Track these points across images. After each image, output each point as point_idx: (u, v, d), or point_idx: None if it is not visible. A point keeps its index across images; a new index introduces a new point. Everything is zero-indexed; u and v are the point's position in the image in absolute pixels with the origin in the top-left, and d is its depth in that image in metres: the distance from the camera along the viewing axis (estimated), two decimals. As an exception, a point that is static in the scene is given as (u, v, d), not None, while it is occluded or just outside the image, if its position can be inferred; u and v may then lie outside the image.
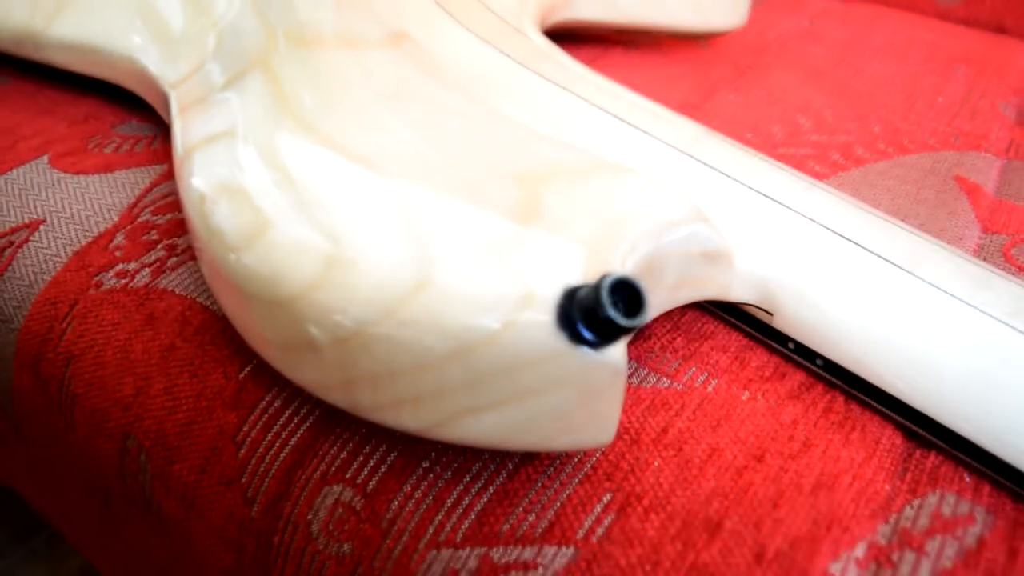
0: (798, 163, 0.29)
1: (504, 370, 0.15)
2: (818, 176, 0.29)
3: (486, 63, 0.27)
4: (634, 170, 0.19)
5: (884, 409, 0.20)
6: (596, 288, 0.15)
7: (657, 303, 0.19)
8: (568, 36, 0.38)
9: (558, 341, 0.15)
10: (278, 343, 0.17)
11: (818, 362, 0.21)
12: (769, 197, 0.22)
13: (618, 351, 0.16)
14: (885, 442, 0.19)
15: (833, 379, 0.21)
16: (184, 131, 0.22)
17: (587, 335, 0.15)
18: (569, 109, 0.25)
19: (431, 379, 0.16)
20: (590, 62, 0.36)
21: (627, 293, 0.15)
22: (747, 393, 0.20)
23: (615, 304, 0.15)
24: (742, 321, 0.22)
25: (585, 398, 0.16)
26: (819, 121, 0.32)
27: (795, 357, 0.21)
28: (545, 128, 0.24)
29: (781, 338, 0.21)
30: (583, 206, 0.18)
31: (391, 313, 0.15)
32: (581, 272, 0.16)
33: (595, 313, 0.15)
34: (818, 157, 0.30)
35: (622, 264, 0.17)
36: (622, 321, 0.14)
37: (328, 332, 0.16)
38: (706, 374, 0.20)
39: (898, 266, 0.20)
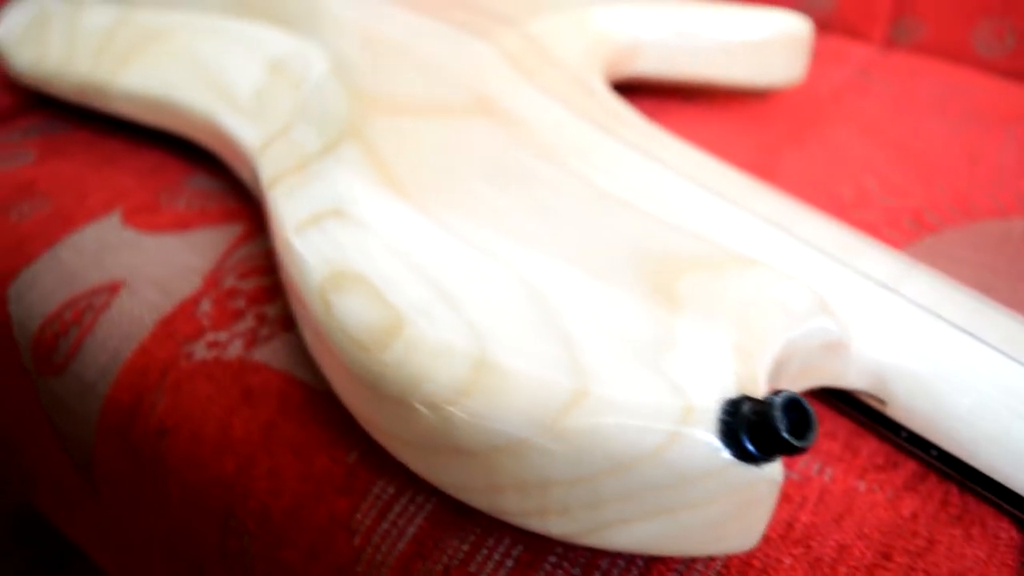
0: (873, 230, 0.29)
1: (663, 485, 0.15)
2: (894, 244, 0.29)
3: (569, 129, 0.27)
4: (762, 263, 0.19)
5: (999, 501, 0.20)
6: (768, 407, 0.14)
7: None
8: (623, 86, 0.38)
9: (721, 457, 0.15)
10: (415, 443, 0.17)
11: (932, 452, 0.21)
12: (877, 281, 0.22)
13: (776, 463, 0.15)
14: (1004, 536, 0.19)
15: (947, 470, 0.20)
16: (283, 206, 0.22)
17: (754, 452, 0.15)
18: (663, 182, 0.25)
19: (585, 491, 0.15)
20: (649, 115, 0.36)
21: (795, 410, 0.15)
22: (863, 484, 0.20)
23: (786, 424, 0.14)
24: (853, 408, 0.22)
25: (740, 510, 0.16)
26: (884, 183, 0.32)
27: (907, 446, 0.21)
28: (642, 202, 0.24)
29: (894, 427, 0.21)
30: (720, 303, 0.18)
31: (548, 425, 0.15)
32: (734, 378, 0.16)
33: (764, 431, 0.15)
34: (890, 223, 0.30)
35: (764, 363, 0.17)
36: (796, 442, 0.14)
37: (478, 441, 0.16)
38: (820, 463, 0.20)
39: (1011, 357, 0.20)
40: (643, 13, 0.34)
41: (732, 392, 0.16)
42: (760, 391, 0.16)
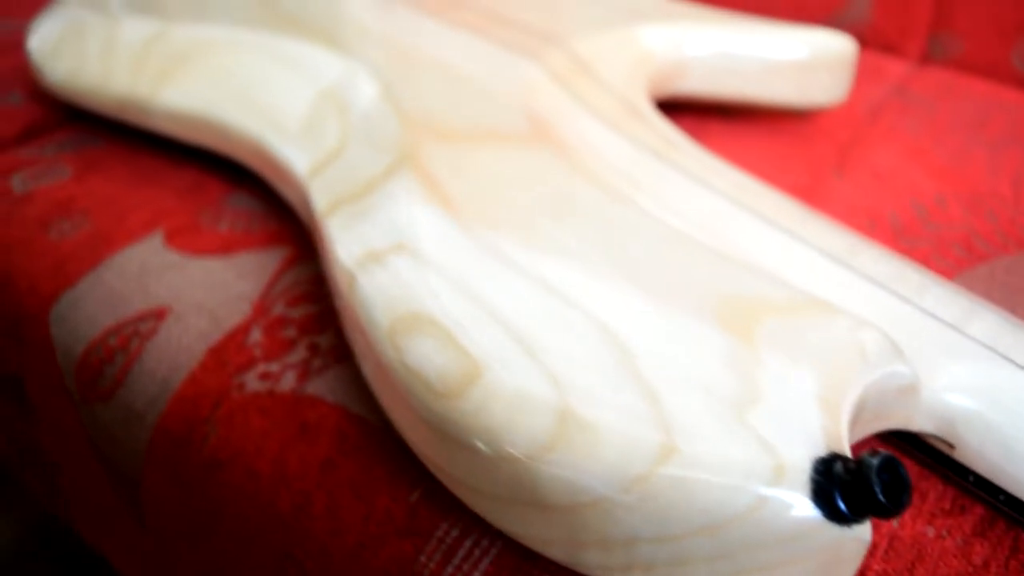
0: (924, 259, 0.29)
1: (752, 545, 0.15)
2: (945, 273, 0.28)
3: (625, 157, 0.26)
4: (838, 308, 0.19)
5: (1071, 549, 0.20)
6: (864, 469, 0.14)
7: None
8: (663, 104, 0.38)
9: (813, 517, 0.15)
10: (490, 494, 0.17)
11: (1000, 497, 0.20)
12: (943, 321, 0.21)
13: (866, 522, 0.15)
14: (1077, 586, 0.19)
15: (1015, 515, 0.20)
16: (343, 239, 0.21)
17: (846, 513, 0.14)
18: (722, 214, 0.25)
19: (671, 549, 0.15)
20: (690, 134, 0.36)
21: (890, 472, 0.14)
22: (932, 530, 0.20)
23: (882, 486, 0.14)
24: (919, 450, 0.21)
25: (825, 568, 0.15)
26: (931, 208, 0.32)
27: (974, 490, 0.21)
28: (703, 235, 0.24)
29: (961, 470, 0.21)
30: (800, 351, 0.17)
31: (637, 483, 0.15)
32: (821, 433, 0.16)
33: (859, 493, 0.14)
34: (940, 252, 0.29)
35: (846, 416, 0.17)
36: (892, 506, 0.14)
37: (561, 497, 0.15)
38: (888, 507, 0.20)
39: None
40: (689, 31, 0.34)
41: (821, 448, 0.15)
42: (845, 445, 0.16)
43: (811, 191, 0.32)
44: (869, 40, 0.47)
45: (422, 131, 0.25)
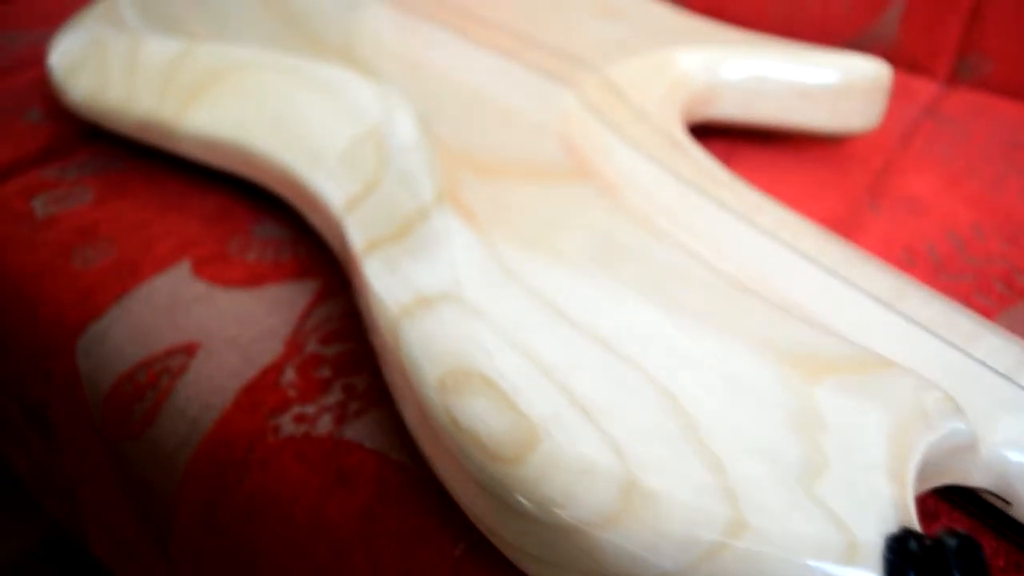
0: (966, 296, 0.28)
1: (825, 624, 0.14)
2: (987, 312, 0.28)
3: (668, 194, 0.26)
4: (900, 366, 0.18)
5: None
6: (942, 551, 0.14)
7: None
8: (693, 129, 0.37)
9: (888, 598, 0.14)
10: (546, 560, 0.16)
11: (1058, 556, 0.20)
12: (998, 373, 0.21)
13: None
14: None
15: (1074, 574, 0.20)
16: (385, 283, 0.21)
17: (924, 596, 0.14)
18: (767, 255, 0.24)
19: (739, 626, 0.14)
20: (721, 160, 0.35)
21: (968, 555, 0.14)
22: (989, 590, 0.19)
23: (960, 571, 0.14)
24: (973, 505, 0.21)
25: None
26: (969, 239, 0.31)
27: (1031, 547, 0.20)
28: (751, 279, 0.23)
29: (1017, 527, 0.20)
30: (863, 414, 0.17)
31: (703, 559, 0.14)
32: (891, 506, 0.15)
33: (935, 573, 0.14)
34: (983, 288, 0.29)
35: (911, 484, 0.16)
36: (974, 591, 0.13)
37: (625, 569, 0.15)
38: (943, 566, 0.19)
39: None
40: (725, 55, 0.33)
41: (892, 522, 0.15)
42: (914, 517, 0.15)
43: (847, 223, 0.32)
44: (895, 59, 0.47)
45: (461, 164, 0.24)
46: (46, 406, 0.28)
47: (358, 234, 0.23)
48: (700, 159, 0.28)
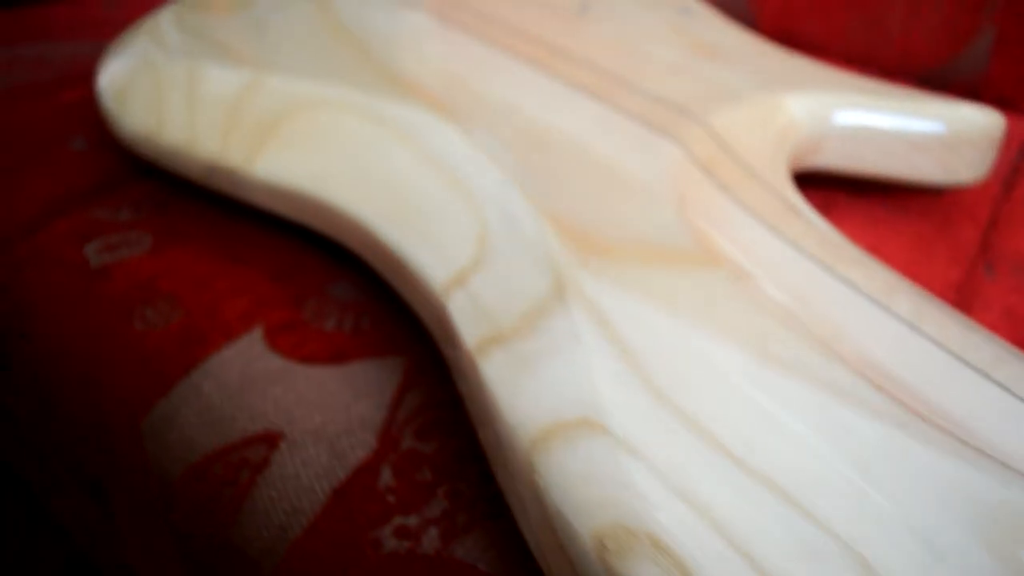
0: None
1: None
2: None
3: (796, 274, 0.23)
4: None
5: None
6: None
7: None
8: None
9: None
10: None
11: None
12: None
13: None
14: None
15: None
16: (504, 396, 0.18)
17: None
18: (908, 346, 0.22)
19: None
20: (816, 209, 0.33)
21: None
22: None
23: None
24: None
25: None
26: (1097, 313, 0.29)
27: None
28: (888, 379, 0.21)
29: None
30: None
31: None
32: None
33: None
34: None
35: None
36: None
37: None
38: None
39: None
40: (835, 102, 0.31)
41: None
42: None
43: (965, 290, 0.29)
44: (982, 93, 0.44)
45: (576, 242, 0.22)
46: (106, 482, 0.26)
47: (467, 326, 0.20)
48: (821, 228, 0.25)
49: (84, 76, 0.40)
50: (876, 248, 0.31)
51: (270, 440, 0.22)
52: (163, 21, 0.36)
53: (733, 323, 0.20)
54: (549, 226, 0.23)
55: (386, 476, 0.21)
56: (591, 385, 0.18)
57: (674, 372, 0.18)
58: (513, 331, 0.20)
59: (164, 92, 0.31)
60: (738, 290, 0.21)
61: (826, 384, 0.18)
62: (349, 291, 0.27)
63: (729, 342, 0.19)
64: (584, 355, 0.18)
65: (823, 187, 0.34)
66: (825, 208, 0.33)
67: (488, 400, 0.19)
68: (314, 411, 0.23)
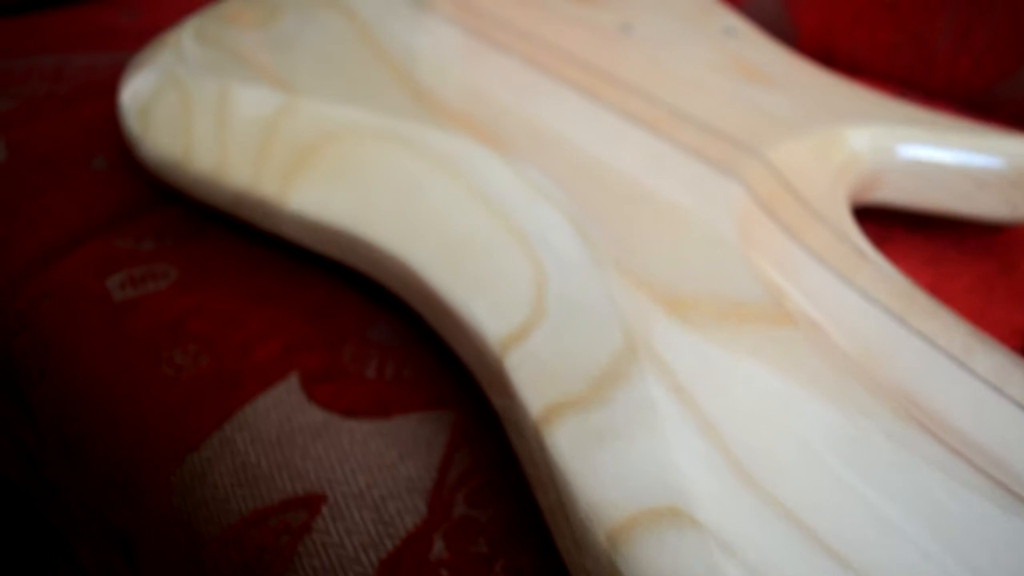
0: None
1: None
2: None
3: (868, 325, 0.22)
4: None
5: None
6: None
7: None
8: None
9: None
10: None
11: None
12: None
13: None
14: None
15: None
16: (577, 474, 0.17)
17: None
18: (988, 408, 0.20)
19: None
20: (876, 246, 0.31)
21: None
22: None
23: None
24: None
25: None
26: None
27: None
28: (964, 442, 0.19)
29: None
30: None
31: None
32: None
33: None
34: None
35: None
36: None
37: None
38: None
39: None
40: (898, 135, 0.29)
41: None
42: None
43: (1035, 337, 0.28)
44: (1031, 116, 0.43)
45: (644, 295, 0.20)
46: (133, 538, 0.24)
47: (530, 390, 0.19)
48: (890, 274, 0.24)
49: (102, 89, 0.38)
50: (936, 288, 0.30)
51: (312, 503, 0.21)
52: (186, 34, 0.34)
53: (814, 389, 0.18)
54: (614, 275, 0.21)
55: (438, 547, 0.19)
56: (675, 468, 0.16)
57: (761, 449, 0.17)
58: (582, 399, 0.18)
59: (191, 114, 0.29)
60: (815, 351, 0.19)
61: (913, 456, 0.17)
62: (389, 333, 0.25)
63: (812, 410, 0.18)
64: (664, 431, 0.17)
65: (879, 220, 0.32)
66: (881, 242, 0.31)
67: (558, 475, 0.17)
68: (358, 471, 0.21)
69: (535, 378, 0.19)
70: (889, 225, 0.32)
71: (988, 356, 0.22)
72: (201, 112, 0.29)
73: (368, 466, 0.21)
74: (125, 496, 0.24)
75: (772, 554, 0.15)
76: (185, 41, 0.33)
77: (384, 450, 0.22)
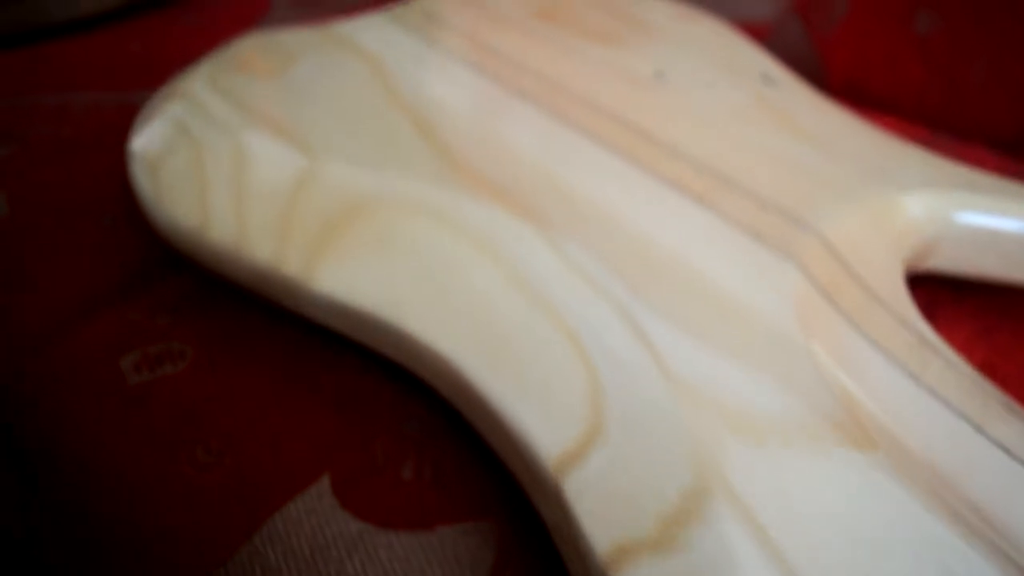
0: None
1: None
2: None
3: (945, 434, 0.20)
4: None
5: None
6: None
7: None
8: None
9: None
10: None
11: None
12: None
13: None
14: None
15: None
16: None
17: None
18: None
19: None
20: (924, 315, 0.30)
21: None
22: None
23: None
24: None
25: None
26: None
27: None
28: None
29: None
30: None
31: None
32: None
33: None
34: None
35: None
36: None
37: None
38: None
39: None
40: (957, 201, 0.28)
41: None
42: None
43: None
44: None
45: (712, 412, 0.19)
46: (148, 651, 0.23)
47: (595, 526, 0.17)
48: (959, 367, 0.22)
49: (109, 134, 0.36)
50: (991, 365, 0.28)
51: (351, 632, 0.19)
52: (197, 84, 0.32)
53: (905, 529, 0.17)
54: (675, 387, 0.19)
55: None
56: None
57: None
58: (654, 541, 0.17)
59: (206, 178, 0.28)
60: (900, 479, 0.18)
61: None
62: (425, 427, 0.23)
63: (903, 553, 0.16)
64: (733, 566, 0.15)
65: (924, 284, 0.31)
66: (929, 312, 0.30)
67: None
68: (400, 594, 0.20)
69: (600, 512, 0.17)
70: (936, 291, 0.31)
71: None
72: (216, 175, 0.28)
73: (411, 588, 0.20)
74: (144, 608, 0.22)
75: None
76: (197, 91, 0.32)
77: (426, 568, 0.20)
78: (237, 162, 0.28)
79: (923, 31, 0.42)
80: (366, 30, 0.37)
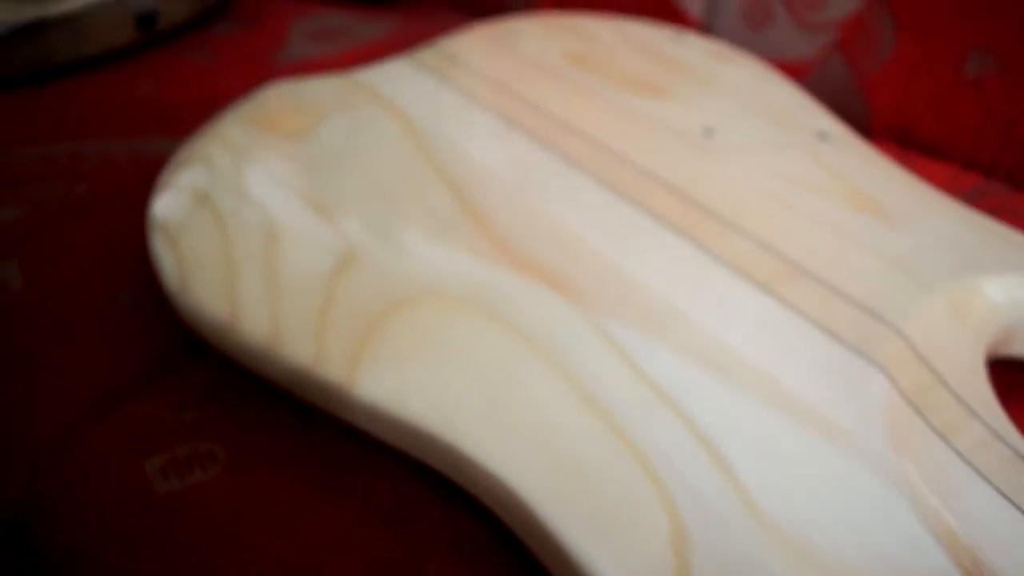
0: None
1: None
2: None
3: None
4: None
5: None
6: None
7: None
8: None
9: None
10: None
11: None
12: None
13: None
14: None
15: None
16: None
17: None
18: None
19: None
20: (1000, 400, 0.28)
21: None
22: None
23: None
24: None
25: None
26: None
27: None
28: None
29: None
30: None
31: None
32: None
33: None
34: None
35: None
36: None
37: None
38: None
39: None
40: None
41: None
42: None
43: None
44: None
45: (801, 560, 0.17)
46: None
47: None
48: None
49: (123, 191, 0.35)
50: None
51: None
52: (220, 147, 0.30)
53: None
54: (765, 537, 0.18)
55: None
56: None
57: None
58: None
59: (235, 260, 0.26)
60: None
61: None
62: (482, 550, 0.22)
63: None
64: None
65: (995, 367, 0.29)
66: (1005, 398, 0.28)
67: None
68: None
69: None
70: (1009, 375, 0.29)
71: None
72: (246, 258, 0.26)
73: None
74: None
75: None
76: (219, 157, 0.30)
77: None
78: (268, 243, 0.26)
79: (975, 73, 0.40)
80: (392, 81, 0.35)
